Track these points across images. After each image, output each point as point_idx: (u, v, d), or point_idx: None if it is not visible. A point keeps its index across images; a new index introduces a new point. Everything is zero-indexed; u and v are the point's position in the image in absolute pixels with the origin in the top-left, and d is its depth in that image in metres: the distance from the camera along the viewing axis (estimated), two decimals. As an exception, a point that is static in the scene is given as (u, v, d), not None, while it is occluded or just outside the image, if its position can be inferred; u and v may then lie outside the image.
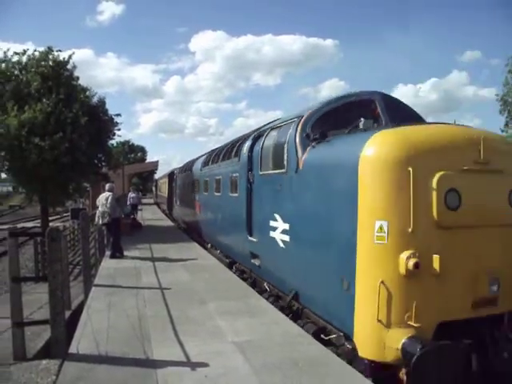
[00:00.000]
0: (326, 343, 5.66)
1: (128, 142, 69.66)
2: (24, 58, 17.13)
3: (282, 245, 7.26)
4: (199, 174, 15.85)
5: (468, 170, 4.97)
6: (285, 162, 7.12)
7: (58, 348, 5.14)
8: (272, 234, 7.65)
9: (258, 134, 9.10)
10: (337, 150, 5.90)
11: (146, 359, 4.92)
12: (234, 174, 10.29)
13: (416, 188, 4.74)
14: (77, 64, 18.21)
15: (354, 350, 5.11)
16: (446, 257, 4.78)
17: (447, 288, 4.89)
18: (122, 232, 13.20)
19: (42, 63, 16.88)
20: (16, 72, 16.95)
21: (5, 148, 15.68)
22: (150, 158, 72.43)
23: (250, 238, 8.91)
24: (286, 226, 7.08)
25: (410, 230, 4.73)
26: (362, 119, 6.35)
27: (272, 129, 8.37)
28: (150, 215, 29.03)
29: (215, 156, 13.71)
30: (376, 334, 4.85)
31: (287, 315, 6.78)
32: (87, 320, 6.28)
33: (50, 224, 20.39)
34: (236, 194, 10.07)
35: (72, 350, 5.14)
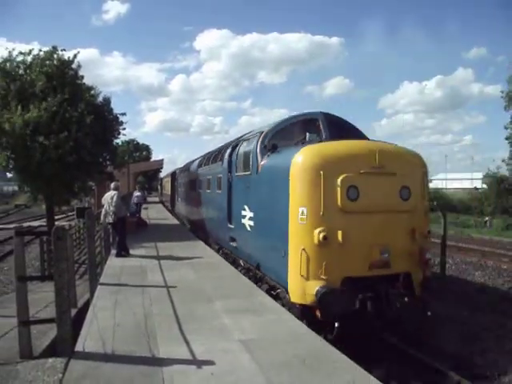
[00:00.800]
0: (275, 297, 7.84)
1: (133, 140, 69.79)
2: (29, 58, 17.16)
3: (249, 228, 9.50)
4: (195, 174, 18.46)
5: (365, 173, 7.04)
6: (250, 166, 9.43)
7: (64, 346, 5.13)
8: (243, 220, 9.88)
9: (236, 143, 11.37)
10: (280, 158, 8.15)
11: (151, 357, 4.92)
12: (219, 175, 12.64)
13: (326, 185, 6.87)
14: (82, 63, 18.24)
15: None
16: (348, 232, 6.89)
17: (348, 254, 6.93)
18: (128, 230, 13.21)
19: (47, 63, 16.90)
20: (21, 71, 16.98)
21: (10, 147, 15.72)
22: (155, 157, 72.59)
23: (229, 225, 11.20)
24: (252, 214, 9.34)
25: (321, 213, 6.88)
26: (307, 134, 8.51)
27: (244, 140, 10.72)
28: (155, 214, 29.06)
29: (207, 159, 16.11)
30: (300, 285, 7.02)
31: (254, 281, 8.97)
32: (93, 318, 6.29)
33: (56, 223, 20.45)
34: (220, 191, 12.40)
35: (78, 348, 5.15)
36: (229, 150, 11.70)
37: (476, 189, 51.81)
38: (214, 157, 14.62)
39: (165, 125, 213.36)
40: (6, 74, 16.43)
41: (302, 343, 5.35)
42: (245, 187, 9.84)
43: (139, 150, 72.21)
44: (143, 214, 24.23)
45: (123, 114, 19.90)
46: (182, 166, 28.18)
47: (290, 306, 7.30)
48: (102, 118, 18.04)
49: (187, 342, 5.32)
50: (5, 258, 18.23)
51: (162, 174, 58.13)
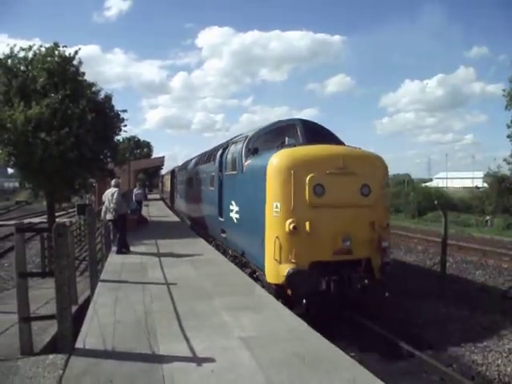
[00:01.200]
0: (256, 279, 9.07)
1: (134, 137, 69.72)
2: (30, 54, 17.14)
3: (235, 221, 10.73)
4: (192, 172, 19.75)
5: (331, 173, 8.20)
6: (237, 166, 10.67)
7: (64, 343, 5.14)
8: (231, 214, 11.08)
9: (226, 145, 12.58)
10: (260, 160, 9.33)
11: (152, 354, 4.93)
12: (212, 173, 13.84)
13: (296, 183, 8.05)
14: (84, 60, 18.21)
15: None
16: (314, 223, 8.06)
17: (315, 241, 8.08)
18: (128, 228, 13.22)
19: (48, 59, 16.89)
20: (22, 68, 16.96)
21: (11, 143, 15.72)
22: (156, 154, 72.48)
23: (220, 218, 12.44)
24: (237, 209, 10.58)
25: (291, 207, 8.10)
26: (286, 138, 9.64)
27: (233, 143, 11.95)
28: (155, 211, 29.08)
29: (202, 159, 17.61)
30: (274, 267, 8.20)
31: (239, 267, 10.15)
32: (94, 315, 6.30)
33: (57, 219, 20.46)
34: (213, 188, 13.52)
35: (78, 344, 5.15)
36: (220, 151, 13.02)
37: (477, 188, 51.86)
38: (207, 157, 16.03)
39: (166, 122, 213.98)
40: (7, 70, 16.41)
41: (302, 341, 5.35)
42: (232, 185, 11.28)
43: (140, 147, 72.08)
44: (144, 211, 24.24)
45: (124, 111, 19.90)
46: (181, 164, 29.40)
47: (268, 286, 8.51)
48: (103, 115, 18.03)
49: (187, 339, 5.33)
50: (5, 254, 18.24)
51: (162, 171, 58.17)
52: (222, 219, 12.28)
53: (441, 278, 11.51)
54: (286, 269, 7.95)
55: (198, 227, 18.07)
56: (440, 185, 71.82)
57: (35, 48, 17.21)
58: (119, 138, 22.76)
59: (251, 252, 9.77)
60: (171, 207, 32.29)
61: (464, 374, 7.10)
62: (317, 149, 8.81)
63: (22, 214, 38.44)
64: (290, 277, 7.89)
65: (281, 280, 8.07)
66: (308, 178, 8.11)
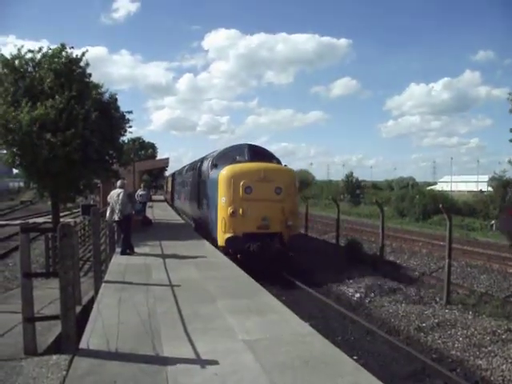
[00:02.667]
0: (216, 246, 13.49)
1: (139, 138, 69.82)
2: (38, 56, 17.19)
3: (205, 209, 16.01)
4: (184, 176, 25.84)
5: (256, 180, 13.13)
6: (206, 176, 16.01)
7: (68, 343, 5.14)
8: (203, 206, 16.47)
9: (202, 160, 18.18)
10: (217, 172, 14.13)
11: (156, 356, 4.93)
12: (195, 179, 19.22)
13: (234, 186, 13.10)
14: (91, 61, 18.22)
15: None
16: (245, 209, 13.07)
17: (245, 220, 13.07)
18: (133, 229, 13.23)
19: (55, 60, 16.93)
20: (30, 69, 17.02)
21: (16, 144, 15.76)
22: (160, 156, 72.40)
23: (198, 209, 17.94)
24: (206, 202, 15.83)
25: (231, 200, 13.16)
26: (237, 157, 14.48)
27: (205, 159, 17.37)
28: (160, 212, 29.10)
29: (190, 167, 23.58)
30: (221, 236, 13.22)
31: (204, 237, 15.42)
32: (97, 316, 6.30)
33: (61, 220, 20.49)
34: (195, 189, 18.89)
35: (82, 345, 5.16)
36: (198, 164, 18.70)
37: (481, 192, 51.59)
38: (193, 166, 21.47)
39: (171, 123, 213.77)
40: (14, 71, 16.47)
41: (306, 344, 5.34)
42: (204, 187, 16.47)
43: (145, 148, 72.12)
44: (148, 212, 24.26)
45: (130, 112, 19.93)
46: (180, 168, 34.59)
47: (219, 248, 13.34)
48: (108, 116, 18.06)
49: (191, 342, 5.32)
50: (10, 253, 18.27)
51: (167, 173, 58.26)
52: (199, 209, 17.78)
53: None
54: (225, 235, 13.25)
55: (187, 215, 23.94)
56: (445, 188, 71.45)
57: (43, 50, 17.27)
58: (124, 138, 22.77)
59: (211, 227, 14.74)
60: (172, 205, 36.57)
61: (468, 378, 7.08)
62: (249, 165, 13.88)
63: (26, 214, 38.53)
64: (227, 240, 13.18)
65: (223, 242, 13.31)
66: (241, 183, 13.34)
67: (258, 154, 14.70)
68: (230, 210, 13.13)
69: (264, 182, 13.27)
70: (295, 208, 14.36)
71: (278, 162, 15.32)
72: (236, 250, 12.93)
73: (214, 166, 14.91)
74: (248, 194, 13.19)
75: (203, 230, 16.67)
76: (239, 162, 14.10)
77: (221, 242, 13.34)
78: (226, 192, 13.35)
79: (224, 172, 13.56)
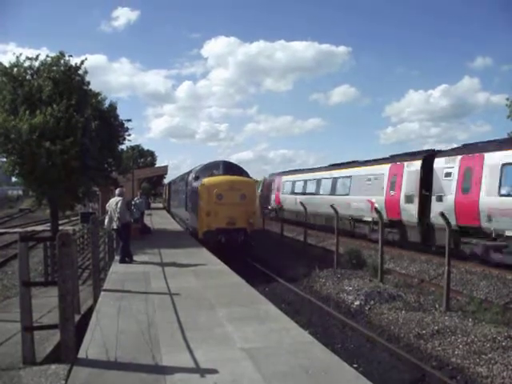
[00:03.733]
0: (197, 239, 17.69)
1: (138, 146, 69.80)
2: (36, 64, 17.23)
3: (190, 211, 20.10)
4: (176, 185, 30.35)
5: (226, 189, 17.29)
6: (190, 185, 19.93)
7: (67, 353, 5.12)
8: (188, 208, 20.64)
9: (189, 173, 22.25)
10: (198, 183, 18.30)
11: (155, 365, 4.91)
12: (184, 188, 23.20)
13: (209, 193, 17.28)
14: (90, 69, 18.31)
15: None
16: (217, 211, 17.10)
17: (217, 219, 17.10)
18: (132, 237, 13.21)
19: (54, 68, 16.98)
20: (28, 77, 17.05)
21: (16, 152, 15.77)
22: (160, 163, 72.26)
23: (185, 211, 21.96)
24: (190, 205, 19.82)
25: (207, 203, 17.32)
26: (214, 171, 18.31)
27: (191, 172, 21.23)
28: (158, 219, 29.09)
29: (180, 178, 28.15)
30: (200, 229, 17.54)
31: (189, 234, 20.46)
32: (96, 325, 6.29)
33: (60, 227, 20.47)
34: (184, 196, 22.90)
35: (81, 354, 5.14)
36: (186, 175, 23.01)
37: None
38: (183, 177, 26.07)
39: (170, 131, 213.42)
40: (13, 79, 16.50)
41: (306, 353, 5.32)
42: (190, 194, 20.34)
43: (144, 156, 72.12)
44: (147, 220, 24.24)
45: (129, 120, 20.02)
46: (174, 178, 38.19)
47: (198, 239, 17.39)
48: (107, 124, 18.11)
49: (190, 350, 5.31)
50: (8, 261, 18.22)
51: (166, 181, 58.30)
52: (187, 212, 21.65)
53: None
54: (203, 229, 17.36)
55: (180, 218, 26.98)
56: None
57: (41, 58, 17.32)
58: (123, 146, 22.85)
59: (193, 224, 19.13)
60: (169, 211, 39.39)
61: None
62: (221, 177, 17.90)
63: (25, 222, 38.46)
64: (204, 233, 17.28)
65: (201, 235, 17.43)
66: (214, 191, 17.19)
67: (230, 168, 18.66)
68: (206, 211, 17.22)
69: (231, 190, 17.30)
70: (256, 209, 19.44)
71: (247, 175, 19.33)
72: (211, 241, 16.65)
73: (197, 177, 18.86)
74: (219, 199, 17.12)
75: (190, 227, 20.80)
76: (215, 175, 18.08)
77: (200, 234, 17.54)
78: (203, 198, 17.43)
79: (202, 183, 17.73)
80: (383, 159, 20.61)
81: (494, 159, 13.95)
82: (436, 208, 15.46)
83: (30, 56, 17.23)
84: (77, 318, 7.31)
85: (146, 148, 73.62)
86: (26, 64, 17.07)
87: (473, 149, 15.37)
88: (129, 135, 20.24)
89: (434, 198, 16.15)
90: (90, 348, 5.34)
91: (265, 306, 7.55)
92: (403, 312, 10.74)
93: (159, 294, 8.29)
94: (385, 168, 19.31)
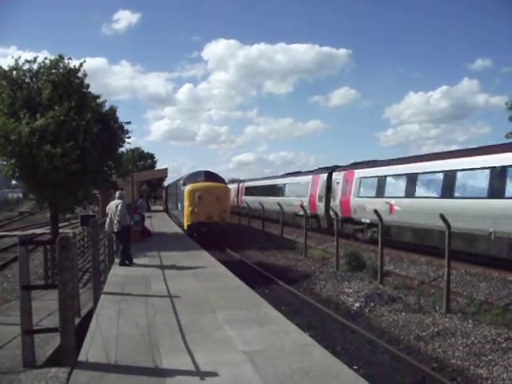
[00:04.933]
0: (183, 230, 23.45)
1: (138, 149, 69.75)
2: (35, 66, 17.24)
3: (179, 209, 26.31)
4: (171, 189, 36.92)
5: (205, 192, 22.39)
6: (180, 189, 25.97)
7: (67, 356, 5.12)
8: (178, 207, 27.15)
9: (180, 179, 27.91)
10: (185, 187, 23.46)
11: (155, 368, 4.92)
12: (176, 191, 29.55)
13: (191, 195, 22.42)
14: (91, 72, 18.32)
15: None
16: (198, 209, 22.11)
17: (199, 214, 22.03)
18: (132, 239, 13.22)
19: (53, 71, 16.99)
20: (27, 80, 17.07)
21: (16, 155, 15.78)
22: (160, 166, 72.21)
23: (176, 209, 29.15)
24: (179, 204, 26.26)
25: (190, 203, 22.33)
26: (198, 178, 23.95)
27: (181, 179, 27.09)
28: (158, 222, 29.09)
29: (174, 183, 34.88)
30: (185, 223, 22.60)
31: (177, 225, 28.35)
32: (96, 328, 6.29)
33: (60, 230, 20.48)
34: (175, 197, 29.52)
35: (81, 358, 5.15)
36: (178, 182, 29.00)
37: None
38: (175, 183, 32.28)
39: (170, 134, 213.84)
40: (12, 82, 16.52)
41: (306, 355, 5.33)
42: (180, 196, 25.09)
43: (143, 159, 72.02)
44: (147, 223, 24.27)
45: (128, 123, 20.04)
46: (172, 182, 43.59)
47: (184, 230, 22.98)
48: (107, 127, 18.12)
49: (190, 353, 5.31)
50: (8, 264, 18.24)
51: (165, 183, 58.38)
52: (178, 209, 27.21)
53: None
54: (187, 223, 21.93)
55: (174, 216, 32.86)
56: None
57: (40, 60, 17.34)
58: (123, 149, 22.88)
59: (181, 219, 24.55)
60: (167, 211, 44.68)
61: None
62: (202, 183, 22.81)
63: (25, 225, 38.47)
64: (188, 226, 21.93)
65: (187, 227, 21.99)
66: (196, 194, 21.90)
67: (209, 176, 24.29)
68: (190, 209, 22.16)
69: (209, 193, 22.29)
70: (227, 207, 23.70)
71: (222, 181, 25.42)
72: (193, 231, 21.86)
73: (184, 183, 24.31)
74: (200, 200, 22.10)
75: (179, 221, 26.88)
76: (198, 181, 23.40)
77: (185, 226, 22.59)
78: (188, 199, 22.41)
79: (187, 188, 22.92)
80: (309, 171, 29.61)
81: (357, 174, 21.71)
82: (332, 205, 23.82)
83: (28, 59, 17.26)
84: (77, 321, 7.32)
85: (146, 151, 73.46)
86: (25, 67, 17.10)
87: (350, 166, 23.79)
88: (129, 138, 20.27)
89: (331, 198, 24.35)
90: (90, 351, 5.35)
91: (265, 309, 7.55)
92: (403, 314, 10.74)
93: (159, 297, 8.30)
94: (309, 178, 27.91)
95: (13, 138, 15.06)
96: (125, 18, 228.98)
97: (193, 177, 24.60)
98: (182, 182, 25.57)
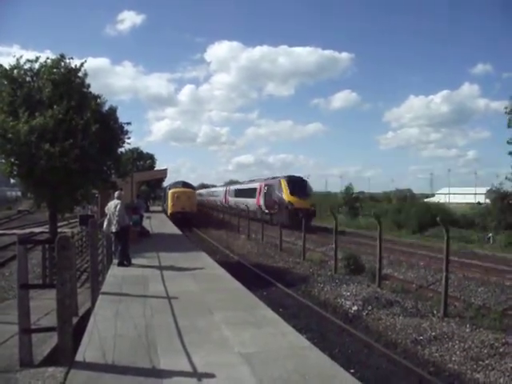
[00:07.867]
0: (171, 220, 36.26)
1: (137, 149, 69.64)
2: (36, 65, 17.24)
3: (165, 205, 46.11)
4: (164, 191, 48.91)
5: (181, 194, 38.76)
6: (166, 192, 44.09)
7: (64, 356, 5.13)
8: (166, 203, 44.31)
9: (168, 185, 47.24)
10: (169, 191, 40.75)
11: (152, 369, 4.91)
12: (165, 193, 47.09)
13: (172, 196, 38.81)
14: (93, 72, 18.36)
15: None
16: (176, 203, 38.12)
17: (177, 207, 37.93)
18: (130, 240, 13.21)
19: (54, 70, 16.98)
20: (28, 79, 17.06)
21: (15, 153, 15.76)
22: (160, 166, 72.02)
23: (164, 205, 46.87)
24: (166, 201, 43.11)
25: (172, 200, 38.68)
26: (178, 185, 41.42)
27: (167, 186, 47.04)
28: (157, 222, 29.09)
29: (165, 187, 49.09)
30: (169, 212, 39.63)
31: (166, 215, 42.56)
32: (94, 328, 6.29)
33: (59, 230, 20.45)
34: (165, 197, 45.20)
35: (78, 357, 5.14)
36: (166, 186, 48.16)
37: (479, 203, 51.42)
38: (165, 188, 47.73)
39: (171, 134, 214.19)
40: (13, 81, 16.51)
41: (303, 358, 5.33)
42: (166, 196, 42.20)
43: (143, 159, 71.88)
44: (145, 223, 24.24)
45: (128, 124, 20.00)
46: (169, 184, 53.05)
47: (169, 216, 37.71)
48: (107, 127, 18.10)
49: (188, 354, 5.31)
50: (6, 263, 18.21)
51: (165, 184, 58.59)
52: (165, 204, 43.65)
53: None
54: (170, 211, 38.12)
55: (165, 211, 43.43)
56: (442, 200, 71.59)
57: (41, 60, 17.33)
58: (122, 149, 22.81)
59: (167, 209, 40.89)
60: (164, 211, 51.24)
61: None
62: (180, 189, 39.43)
63: (23, 224, 38.41)
64: (171, 213, 37.65)
65: (169, 214, 37.93)
66: (175, 195, 38.19)
67: (185, 184, 40.61)
68: (171, 203, 37.05)
69: (183, 194, 37.52)
70: (194, 203, 39.47)
71: (193, 188, 42.23)
72: (174, 217, 33.62)
73: (169, 188, 39.34)
74: (177, 198, 36.98)
75: (165, 210, 41.06)
76: (177, 187, 39.30)
77: (169, 214, 36.39)
78: (170, 198, 37.44)
79: (170, 191, 38.35)
80: (259, 179, 43.71)
81: (266, 184, 37.46)
82: (262, 203, 37.68)
83: (30, 58, 17.25)
84: (75, 320, 7.31)
85: (145, 151, 73.32)
86: (26, 66, 17.09)
87: (266, 179, 39.63)
88: (128, 138, 20.24)
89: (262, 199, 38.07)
90: (87, 351, 5.34)
91: (262, 311, 7.55)
92: (401, 318, 10.75)
93: (157, 298, 8.30)
94: (257, 184, 40.25)
95: (11, 137, 15.04)
96: (129, 19, 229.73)
97: (175, 184, 41.63)
98: (168, 187, 43.18)
